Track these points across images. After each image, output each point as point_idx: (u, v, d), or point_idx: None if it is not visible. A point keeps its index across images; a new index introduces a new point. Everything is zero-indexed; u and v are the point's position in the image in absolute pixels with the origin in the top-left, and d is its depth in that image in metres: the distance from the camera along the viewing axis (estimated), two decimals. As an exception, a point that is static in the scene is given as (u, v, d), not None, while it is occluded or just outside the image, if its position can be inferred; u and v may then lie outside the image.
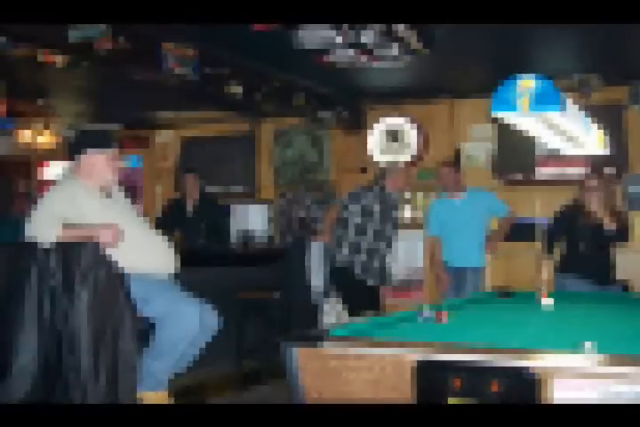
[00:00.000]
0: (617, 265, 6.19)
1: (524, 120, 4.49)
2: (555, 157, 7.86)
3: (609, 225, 5.98)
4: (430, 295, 8.09)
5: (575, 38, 6.22)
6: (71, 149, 4.59)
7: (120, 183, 4.63)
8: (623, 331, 3.49)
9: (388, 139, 8.65)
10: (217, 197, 8.35)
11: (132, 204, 4.71)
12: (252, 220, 9.36)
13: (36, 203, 4.33)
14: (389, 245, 6.89)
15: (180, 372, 4.57)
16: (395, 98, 8.43)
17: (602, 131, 6.03)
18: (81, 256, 3.96)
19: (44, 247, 4.01)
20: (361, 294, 6.59)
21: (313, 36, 5.25)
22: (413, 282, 8.52)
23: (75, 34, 5.10)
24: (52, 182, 4.60)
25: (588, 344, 2.59)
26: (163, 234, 4.68)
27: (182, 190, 7.93)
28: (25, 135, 8.91)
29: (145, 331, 4.34)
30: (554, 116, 4.29)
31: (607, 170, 7.72)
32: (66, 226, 4.17)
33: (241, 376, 6.10)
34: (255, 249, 7.99)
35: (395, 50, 5.57)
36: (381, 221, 6.77)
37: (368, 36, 5.38)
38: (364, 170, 8.67)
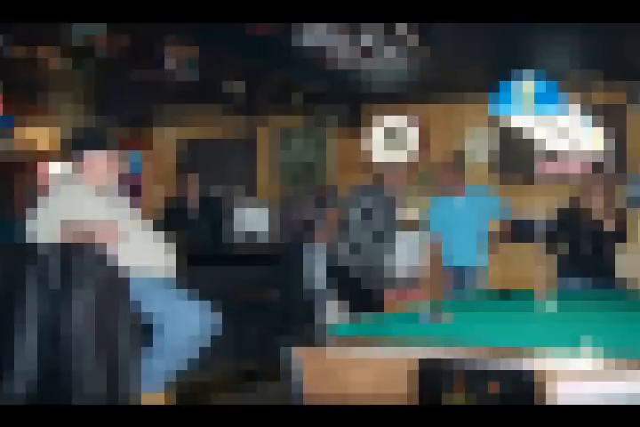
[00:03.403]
0: (617, 265, 6.18)
1: (523, 120, 4.50)
2: (554, 157, 7.85)
3: (609, 225, 5.98)
4: (430, 295, 8.08)
5: (575, 38, 6.22)
6: (71, 149, 4.58)
7: (120, 183, 4.62)
8: (623, 332, 3.49)
9: (388, 138, 8.64)
10: (217, 198, 8.35)
11: (132, 204, 4.70)
12: (252, 220, 9.34)
13: (35, 203, 4.32)
14: (389, 245, 6.88)
15: (180, 372, 4.56)
16: (395, 98, 8.42)
17: (602, 130, 6.03)
18: (81, 256, 3.96)
19: (44, 247, 4.01)
20: (361, 294, 6.59)
21: (313, 36, 5.25)
22: (413, 282, 8.51)
23: (74, 33, 5.09)
24: (52, 183, 4.59)
25: (587, 345, 2.59)
26: (162, 234, 4.67)
27: (182, 190, 7.93)
28: (25, 135, 8.90)
29: (145, 331, 4.33)
30: (554, 115, 4.29)
31: (607, 169, 7.71)
32: (66, 226, 4.17)
33: (240, 376, 6.09)
34: (255, 249, 7.98)
35: (395, 50, 5.57)
36: (381, 220, 6.77)
37: (368, 36, 5.38)
38: (364, 170, 8.66)
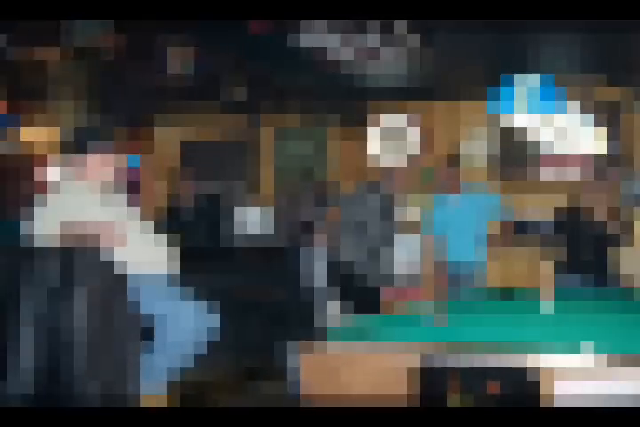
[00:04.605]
0: (617, 265, 6.17)
1: (523, 119, 4.49)
2: (555, 157, 7.84)
3: (609, 225, 5.97)
4: (430, 296, 8.06)
5: (576, 38, 6.21)
6: (70, 149, 4.56)
7: (119, 183, 4.59)
8: (623, 332, 3.47)
9: (389, 138, 8.63)
10: (216, 198, 8.34)
11: (132, 204, 4.68)
12: (251, 220, 9.33)
13: (35, 203, 4.31)
14: (390, 246, 6.87)
15: (180, 372, 4.54)
16: (395, 97, 8.42)
17: (602, 130, 6.03)
18: (80, 256, 3.94)
19: (43, 248, 4.00)
20: (361, 294, 6.57)
21: (313, 36, 5.24)
22: (413, 282, 8.49)
23: (75, 33, 5.09)
24: (51, 183, 4.57)
25: (588, 345, 2.58)
26: (164, 237, 4.65)
27: (182, 190, 7.92)
28: (24, 135, 8.89)
29: (144, 332, 4.31)
30: (554, 115, 4.28)
31: (607, 169, 7.70)
32: (65, 226, 4.16)
33: (240, 376, 6.08)
34: (255, 249, 7.97)
35: (395, 50, 5.56)
36: (382, 221, 6.76)
37: (369, 37, 5.37)
38: (364, 170, 8.65)
